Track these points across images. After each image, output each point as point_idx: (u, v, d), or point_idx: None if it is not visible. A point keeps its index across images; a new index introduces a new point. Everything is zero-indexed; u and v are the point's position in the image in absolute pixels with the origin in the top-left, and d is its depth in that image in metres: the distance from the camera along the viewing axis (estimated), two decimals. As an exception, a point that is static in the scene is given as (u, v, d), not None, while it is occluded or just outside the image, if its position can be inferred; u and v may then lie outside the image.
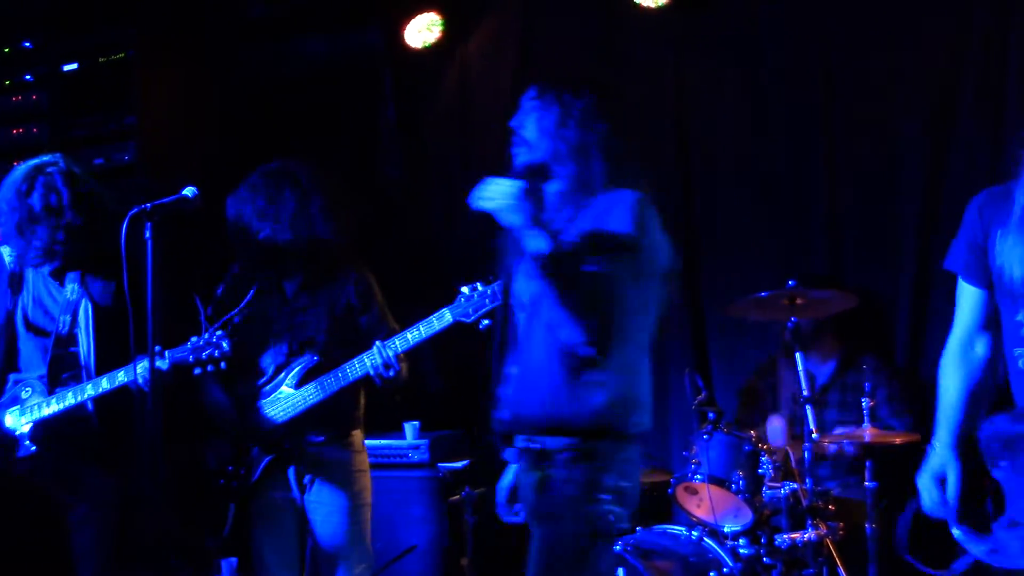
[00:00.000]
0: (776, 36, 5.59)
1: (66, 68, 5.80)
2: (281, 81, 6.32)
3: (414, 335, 4.01)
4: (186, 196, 3.53)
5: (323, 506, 4.19)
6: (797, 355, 4.66)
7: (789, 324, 4.60)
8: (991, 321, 3.06)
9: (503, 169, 6.11)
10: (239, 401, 4.17)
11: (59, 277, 4.11)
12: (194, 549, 5.18)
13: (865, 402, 4.37)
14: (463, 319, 3.91)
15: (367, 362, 4.03)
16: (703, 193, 5.75)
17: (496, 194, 3.19)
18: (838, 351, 5.20)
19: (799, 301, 4.60)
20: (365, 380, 4.10)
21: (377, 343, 4.03)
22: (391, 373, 4.03)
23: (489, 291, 3.88)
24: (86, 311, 4.06)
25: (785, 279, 4.62)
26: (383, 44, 6.44)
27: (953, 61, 5.17)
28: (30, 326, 4.07)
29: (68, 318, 4.05)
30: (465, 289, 3.93)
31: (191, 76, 6.00)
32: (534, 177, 3.40)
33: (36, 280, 4.13)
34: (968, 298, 3.11)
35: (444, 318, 3.95)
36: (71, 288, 4.08)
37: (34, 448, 3.96)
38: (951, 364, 3.13)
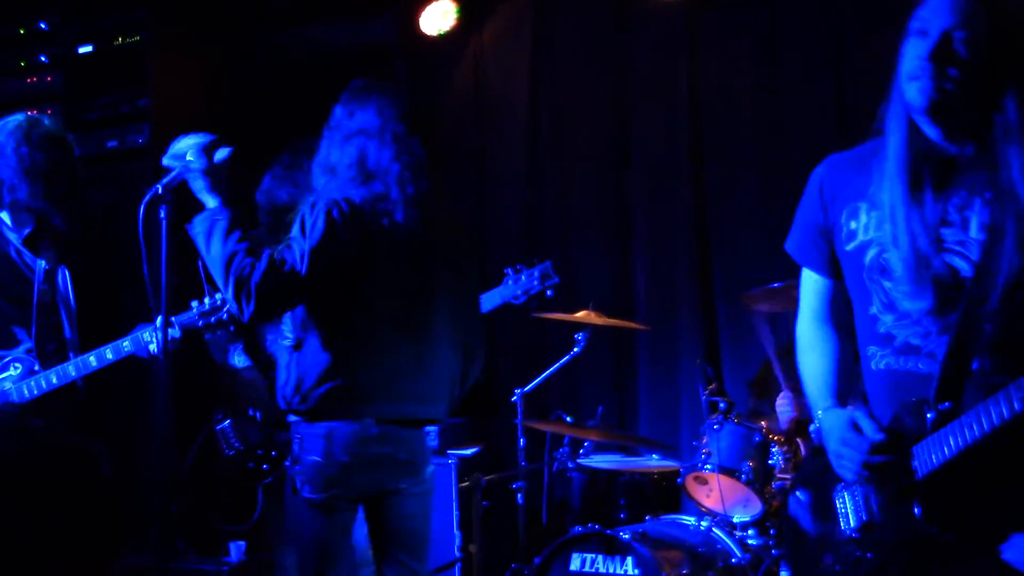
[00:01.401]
0: (791, 26, 5.58)
1: (81, 50, 5.81)
2: (295, 66, 6.32)
3: None
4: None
5: None
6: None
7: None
8: (837, 312, 2.70)
9: (517, 157, 6.14)
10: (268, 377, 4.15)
11: (32, 246, 4.02)
12: (202, 531, 5.20)
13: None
14: (511, 301, 3.94)
15: None
16: (716, 184, 5.74)
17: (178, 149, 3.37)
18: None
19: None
20: None
21: None
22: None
23: (537, 273, 3.92)
24: (64, 279, 4.02)
25: (797, 270, 4.60)
26: (398, 32, 6.43)
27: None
28: (9, 298, 3.97)
29: (47, 287, 3.99)
30: (511, 271, 3.96)
31: (205, 59, 6.01)
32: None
33: (9, 250, 4.00)
34: (811, 284, 2.76)
35: (493, 300, 3.98)
36: (47, 256, 4.02)
37: (40, 422, 3.90)
38: (809, 341, 2.73)
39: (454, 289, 3.56)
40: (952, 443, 2.28)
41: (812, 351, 2.73)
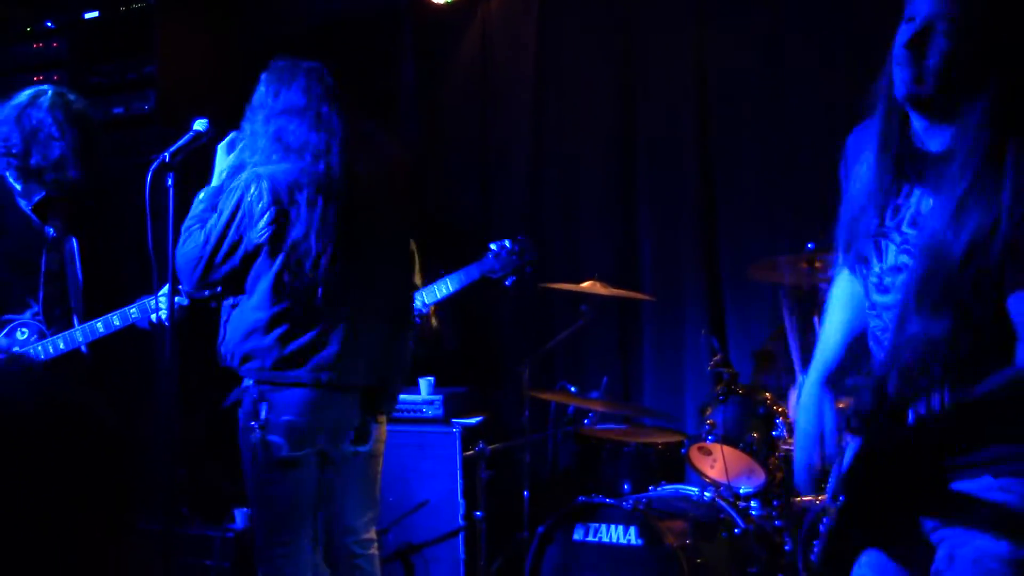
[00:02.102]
0: (799, 2, 5.55)
1: (87, 16, 5.79)
2: (302, 32, 6.29)
3: (442, 289, 4.07)
4: (199, 132, 3.53)
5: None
6: (814, 319, 4.65)
7: (807, 287, 4.59)
8: None
9: (523, 127, 6.13)
10: None
11: (42, 213, 4.05)
12: (207, 497, 5.23)
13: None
14: (490, 275, 3.98)
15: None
16: (721, 155, 5.72)
17: None
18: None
19: (818, 264, 4.58)
20: None
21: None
22: (416, 322, 4.13)
23: (518, 249, 3.95)
24: (72, 247, 4.06)
25: (804, 242, 4.60)
26: (404, 1, 6.41)
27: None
28: (17, 264, 4.01)
29: (55, 255, 4.03)
30: (493, 246, 4.01)
31: (212, 25, 5.99)
32: None
33: (18, 217, 4.03)
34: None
35: (472, 274, 4.02)
36: (56, 224, 4.05)
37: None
38: (833, 304, 2.71)
39: (385, 262, 3.74)
40: (852, 449, 2.39)
41: (830, 315, 2.71)
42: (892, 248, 2.41)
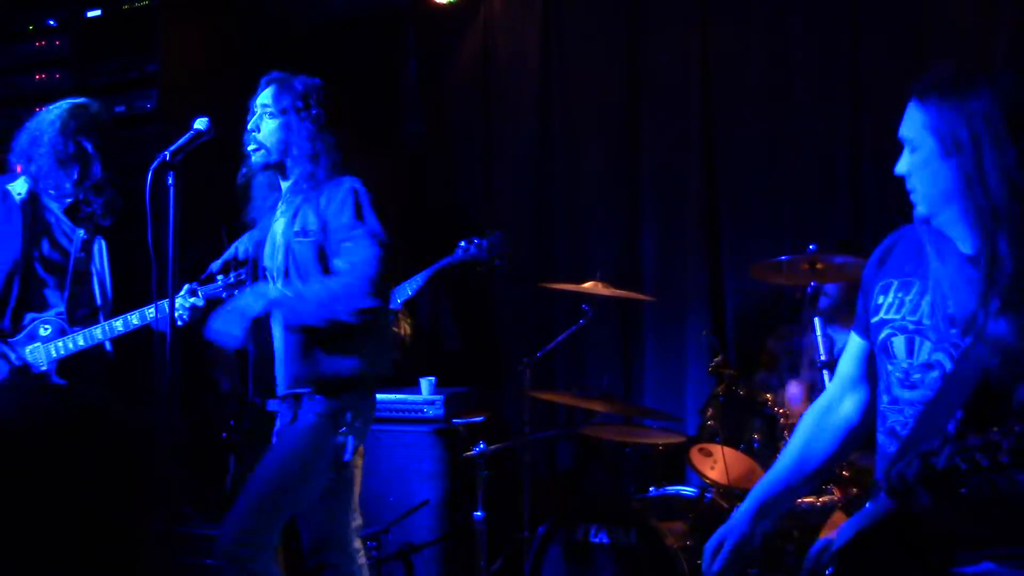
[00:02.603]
0: (803, 1, 5.55)
1: (89, 14, 5.78)
2: (304, 31, 6.30)
3: (412, 286, 4.15)
4: (200, 130, 3.54)
5: None
6: (816, 320, 4.65)
7: (808, 289, 4.59)
8: (872, 376, 2.68)
9: (526, 127, 6.12)
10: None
11: (72, 215, 4.18)
12: (209, 497, 5.24)
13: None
14: (447, 264, 4.11)
15: None
16: (725, 156, 5.72)
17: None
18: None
19: (819, 266, 4.58)
20: None
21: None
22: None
23: (486, 244, 4.04)
24: (100, 249, 4.17)
25: (806, 243, 4.60)
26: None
27: (982, 25, 5.11)
28: (45, 264, 4.14)
29: (83, 256, 4.15)
30: (463, 243, 4.08)
31: (214, 24, 5.99)
32: (272, 174, 3.82)
33: (50, 218, 4.18)
34: (850, 345, 2.76)
35: (438, 265, 4.11)
36: (86, 226, 4.17)
37: (63, 382, 4.05)
38: (806, 424, 2.77)
39: None
40: (857, 522, 2.39)
41: (793, 441, 2.77)
42: (927, 345, 2.44)
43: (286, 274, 3.70)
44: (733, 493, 4.61)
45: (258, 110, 3.80)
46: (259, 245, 3.85)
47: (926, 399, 2.40)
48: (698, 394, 5.48)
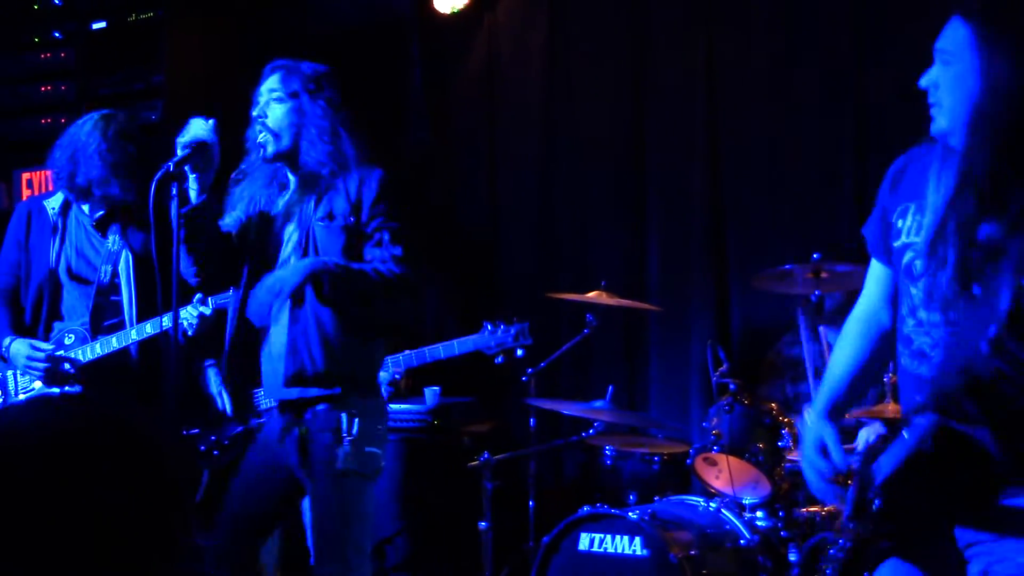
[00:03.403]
0: (807, 5, 5.55)
1: (95, 26, 5.81)
2: (309, 42, 6.30)
3: (432, 353, 4.18)
4: (204, 141, 3.55)
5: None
6: (820, 328, 4.65)
7: (813, 297, 4.59)
8: (895, 300, 2.71)
9: (531, 137, 6.12)
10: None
11: (102, 228, 4.25)
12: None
13: (887, 377, 4.35)
14: (483, 350, 4.12)
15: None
16: (730, 166, 5.71)
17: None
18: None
19: (824, 274, 4.57)
20: None
21: (387, 360, 4.16)
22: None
23: (513, 331, 4.07)
24: (127, 262, 4.21)
25: (810, 252, 4.60)
26: (411, 8, 6.42)
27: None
28: (73, 275, 4.22)
29: (110, 268, 4.21)
30: (489, 325, 4.09)
31: (219, 35, 6.01)
32: (284, 164, 3.65)
33: (78, 231, 4.26)
34: (874, 273, 2.79)
35: (466, 345, 4.16)
36: (112, 239, 4.23)
37: (78, 388, 4.11)
38: (849, 332, 2.79)
39: None
40: (896, 455, 2.38)
41: (840, 347, 2.80)
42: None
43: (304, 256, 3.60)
44: (738, 502, 4.61)
45: (264, 96, 3.64)
46: (247, 232, 3.74)
47: (952, 319, 2.41)
48: (703, 403, 5.47)
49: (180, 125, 3.55)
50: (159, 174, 3.39)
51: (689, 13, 5.81)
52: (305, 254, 3.58)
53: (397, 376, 4.29)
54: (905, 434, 2.40)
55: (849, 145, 5.42)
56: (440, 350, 4.13)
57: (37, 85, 5.84)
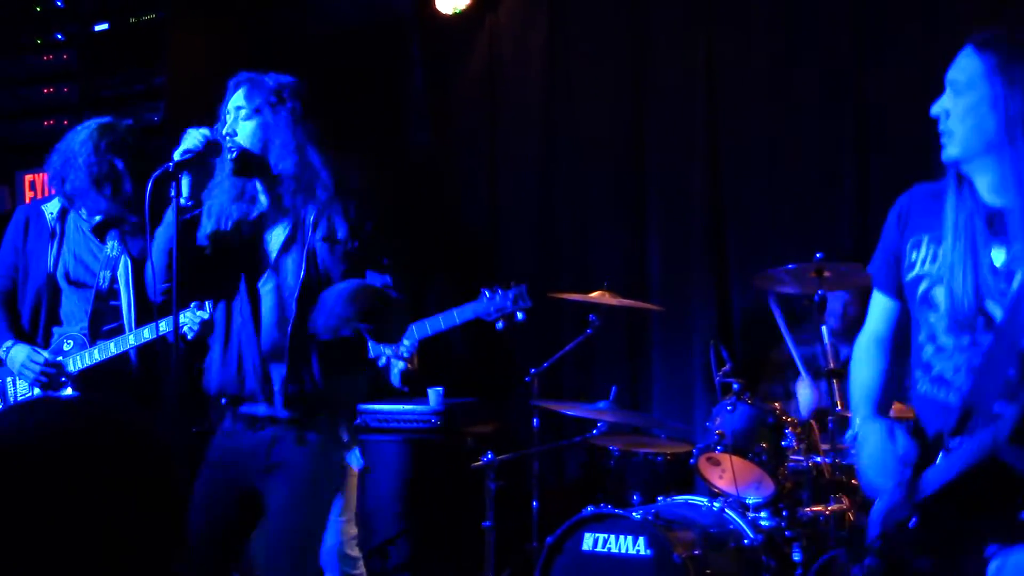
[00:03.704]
0: (809, 5, 5.54)
1: (97, 28, 5.80)
2: (310, 43, 6.31)
3: (434, 325, 4.10)
4: (204, 144, 3.53)
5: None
6: (822, 328, 4.65)
7: (815, 297, 4.59)
8: (900, 334, 2.81)
9: (531, 137, 6.12)
10: None
11: (100, 234, 4.23)
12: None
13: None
14: (484, 316, 4.04)
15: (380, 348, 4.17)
16: (731, 165, 5.72)
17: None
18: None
19: (826, 274, 4.57)
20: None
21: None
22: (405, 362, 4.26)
23: (512, 294, 4.00)
24: (126, 267, 4.19)
25: (812, 252, 4.60)
26: (412, 8, 6.42)
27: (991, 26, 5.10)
28: (71, 281, 4.21)
29: (108, 273, 4.20)
30: (487, 291, 4.03)
31: (221, 37, 6.00)
32: (253, 178, 3.59)
33: (77, 236, 4.24)
34: (879, 304, 2.87)
35: (465, 313, 4.06)
36: (111, 244, 4.22)
37: (75, 394, 4.10)
38: (867, 352, 2.87)
39: None
40: (943, 473, 2.47)
41: (863, 366, 2.87)
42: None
43: (305, 279, 3.49)
44: (742, 501, 4.61)
45: (231, 115, 3.59)
46: (227, 244, 3.62)
47: (963, 346, 2.52)
48: (705, 403, 5.47)
49: (182, 126, 3.53)
50: (157, 172, 3.37)
51: (689, 13, 5.81)
52: (308, 274, 3.50)
53: (406, 355, 4.25)
54: (939, 459, 2.50)
55: (849, 144, 5.43)
56: (440, 320, 4.09)
57: (39, 87, 5.84)
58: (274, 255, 3.56)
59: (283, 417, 3.49)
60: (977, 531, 2.49)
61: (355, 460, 4.52)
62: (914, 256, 2.66)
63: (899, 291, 2.75)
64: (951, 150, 2.55)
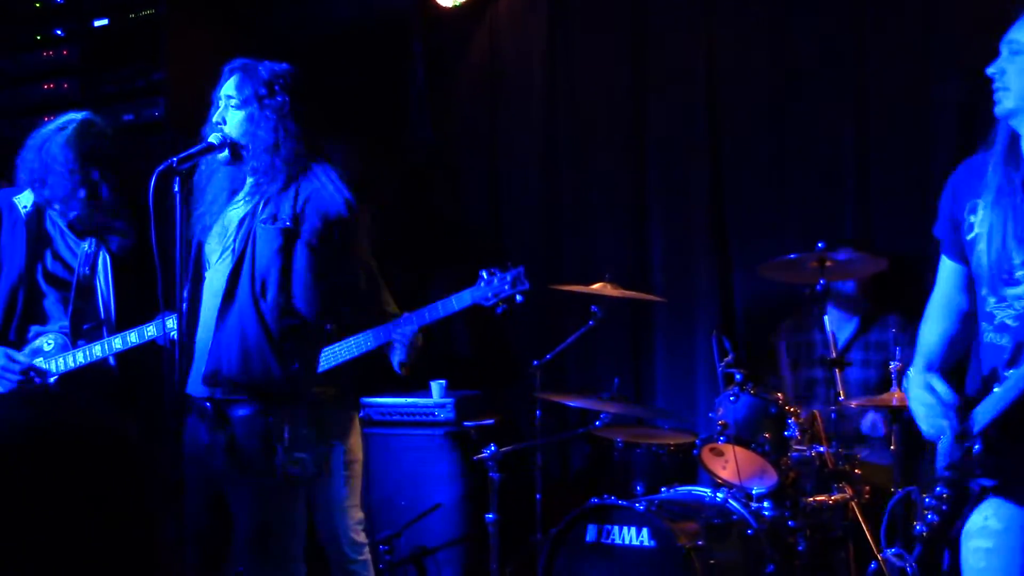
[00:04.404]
0: (809, 0, 5.54)
1: (97, 23, 5.80)
2: (310, 39, 6.30)
3: (432, 313, 4.09)
4: (212, 144, 3.53)
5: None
6: (824, 318, 4.65)
7: (818, 287, 4.59)
8: (967, 297, 3.07)
9: (533, 131, 6.12)
10: None
11: (76, 229, 4.15)
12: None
13: (893, 365, 4.35)
14: (481, 302, 4.00)
15: (382, 336, 4.17)
16: (732, 155, 5.71)
17: None
18: (862, 310, 5.19)
19: (828, 263, 4.58)
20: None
21: (405, 315, 4.11)
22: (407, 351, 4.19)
23: (509, 277, 3.96)
24: (104, 263, 4.14)
25: (814, 242, 4.60)
26: (413, 2, 6.41)
27: (990, 21, 5.09)
28: (49, 277, 4.11)
29: (87, 270, 4.12)
30: (485, 274, 4.00)
31: (221, 33, 5.99)
32: (234, 168, 3.62)
33: (54, 232, 4.15)
34: (946, 269, 3.12)
35: (464, 300, 4.03)
36: (89, 240, 4.14)
37: (58, 389, 4.03)
38: (932, 315, 3.16)
39: None
40: (999, 402, 2.76)
41: (927, 325, 3.16)
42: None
43: (240, 257, 3.50)
44: (745, 492, 4.61)
45: (222, 102, 3.60)
46: (205, 231, 3.67)
47: (1020, 294, 2.79)
48: (709, 394, 5.47)
49: (182, 122, 3.53)
50: (160, 167, 3.37)
51: (690, 4, 5.80)
52: (242, 257, 3.50)
53: (405, 341, 4.21)
54: (996, 388, 2.78)
55: (851, 135, 5.42)
56: (439, 308, 4.08)
57: (39, 83, 5.84)
58: (230, 237, 3.59)
59: (218, 398, 3.48)
60: None
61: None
62: (972, 219, 2.91)
63: (961, 254, 2.99)
64: (1006, 103, 2.82)
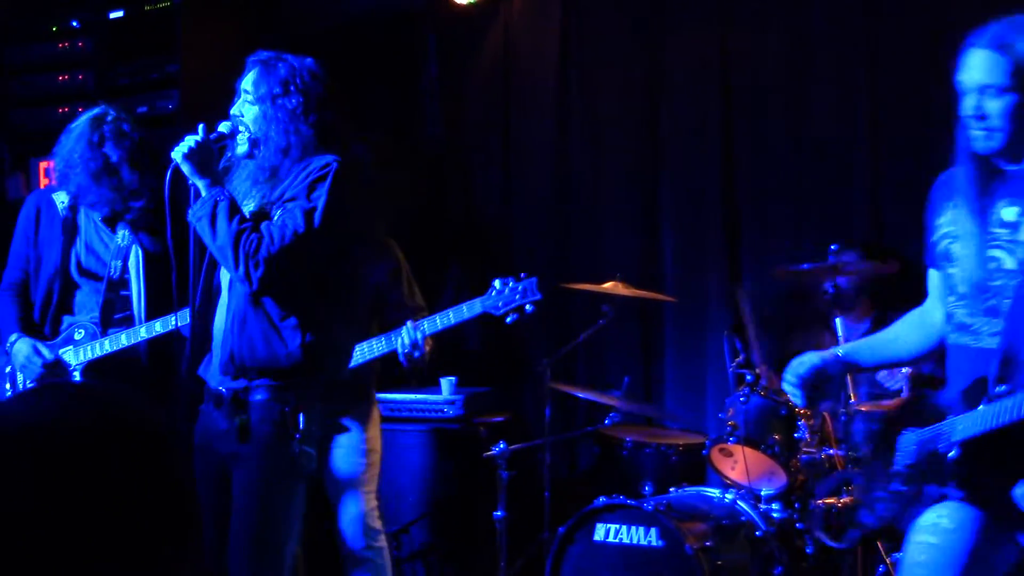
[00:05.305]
0: (822, 1, 5.53)
1: (112, 15, 5.80)
2: (325, 33, 6.30)
3: (443, 320, 4.10)
4: (222, 133, 3.52)
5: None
6: (836, 320, 4.65)
7: (829, 289, 4.59)
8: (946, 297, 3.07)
9: (546, 128, 6.11)
10: None
11: (111, 224, 4.26)
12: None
13: (905, 370, 4.34)
14: (492, 311, 4.00)
15: (395, 340, 4.22)
16: (745, 156, 5.70)
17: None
18: (872, 312, 5.18)
19: (839, 267, 4.58)
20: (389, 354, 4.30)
21: (408, 324, 4.14)
22: (417, 354, 4.22)
23: (520, 287, 3.97)
24: (137, 257, 4.22)
25: (827, 245, 4.60)
26: (427, 0, 6.41)
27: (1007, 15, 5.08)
28: (83, 271, 4.24)
29: (119, 263, 4.22)
30: (497, 283, 4.01)
31: (234, 25, 5.99)
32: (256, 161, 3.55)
33: (88, 226, 4.28)
34: (931, 279, 3.15)
35: (474, 308, 4.05)
36: (122, 234, 4.24)
37: (80, 379, 4.11)
38: (907, 317, 3.23)
39: None
40: (987, 421, 2.73)
41: (894, 324, 3.27)
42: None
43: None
44: (754, 493, 4.61)
45: (241, 96, 3.57)
46: None
47: (977, 291, 2.83)
48: (718, 394, 5.47)
49: (196, 114, 3.53)
50: (173, 164, 3.38)
51: (705, 4, 5.79)
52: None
53: (417, 351, 4.23)
54: (982, 406, 2.75)
55: (863, 138, 5.41)
56: (450, 315, 4.10)
57: (54, 74, 5.84)
58: None
59: (235, 385, 3.46)
60: (1013, 473, 2.75)
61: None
62: (939, 221, 3.00)
63: (938, 261, 3.03)
64: (991, 142, 2.83)
